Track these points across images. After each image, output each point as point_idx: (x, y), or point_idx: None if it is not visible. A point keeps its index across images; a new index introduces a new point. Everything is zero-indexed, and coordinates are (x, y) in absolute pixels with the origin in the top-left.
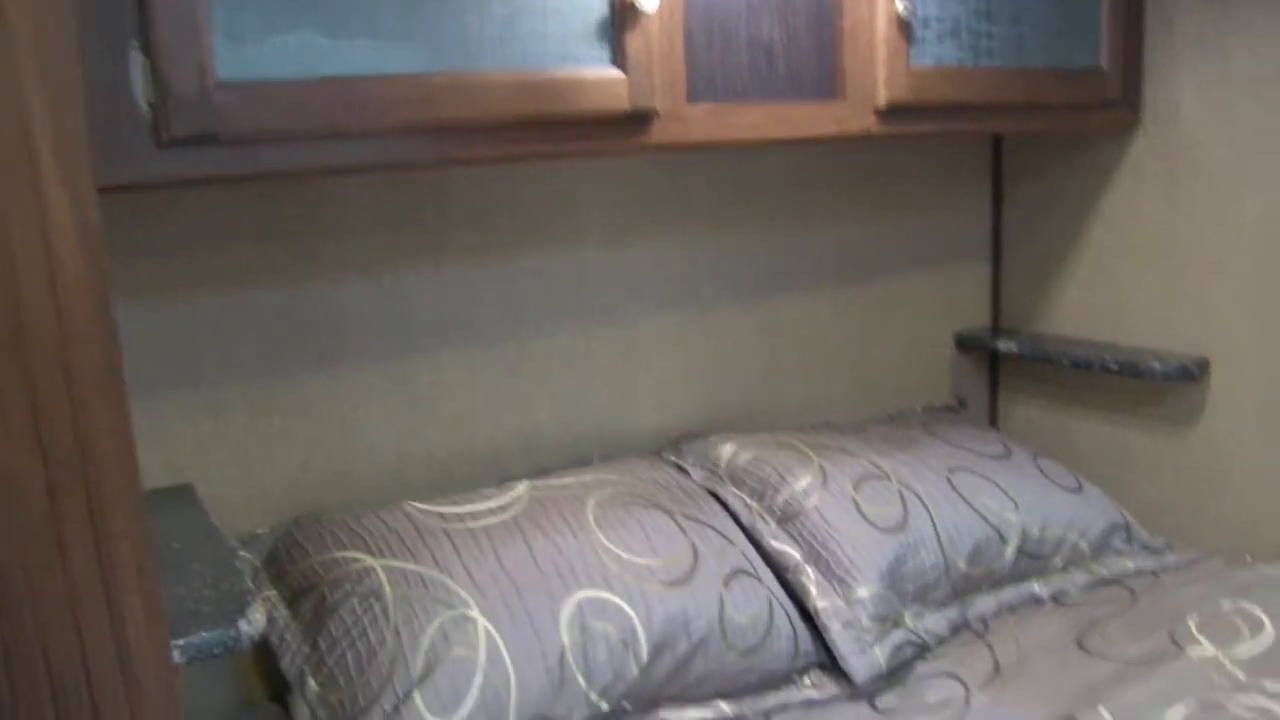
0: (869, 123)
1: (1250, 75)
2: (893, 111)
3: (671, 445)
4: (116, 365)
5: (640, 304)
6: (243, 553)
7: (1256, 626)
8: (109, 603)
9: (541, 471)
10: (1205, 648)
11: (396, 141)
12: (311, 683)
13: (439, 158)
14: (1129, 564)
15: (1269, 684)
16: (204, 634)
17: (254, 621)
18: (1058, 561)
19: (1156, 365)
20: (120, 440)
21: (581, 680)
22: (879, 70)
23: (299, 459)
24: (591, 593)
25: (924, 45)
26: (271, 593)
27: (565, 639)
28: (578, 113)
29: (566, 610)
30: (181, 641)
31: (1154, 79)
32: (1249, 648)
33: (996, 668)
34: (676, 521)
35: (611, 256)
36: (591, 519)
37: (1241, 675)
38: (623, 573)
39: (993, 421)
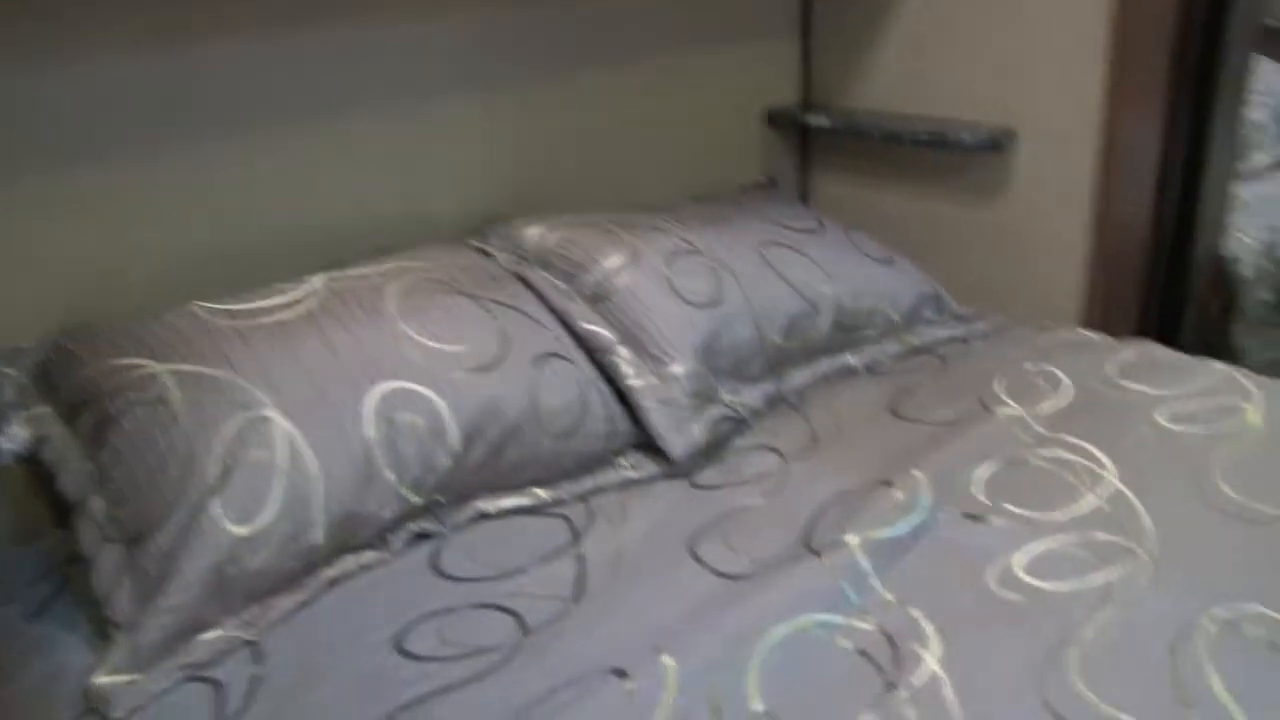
0: None
1: None
2: None
3: (475, 230)
4: None
5: (438, 82)
6: (4, 368)
7: (1056, 386)
8: None
9: (339, 264)
10: (1011, 408)
11: None
12: (98, 501)
13: None
14: (939, 333)
15: (1066, 437)
16: None
17: (14, 436)
18: (871, 332)
19: (965, 136)
20: None
21: (391, 474)
22: None
23: (65, 261)
24: (396, 384)
25: None
26: (43, 409)
27: (371, 433)
28: None
29: (370, 403)
30: None
31: None
32: (1050, 405)
33: (813, 438)
34: (483, 306)
35: (404, 30)
36: (393, 308)
37: (1043, 430)
38: (428, 362)
39: (805, 198)
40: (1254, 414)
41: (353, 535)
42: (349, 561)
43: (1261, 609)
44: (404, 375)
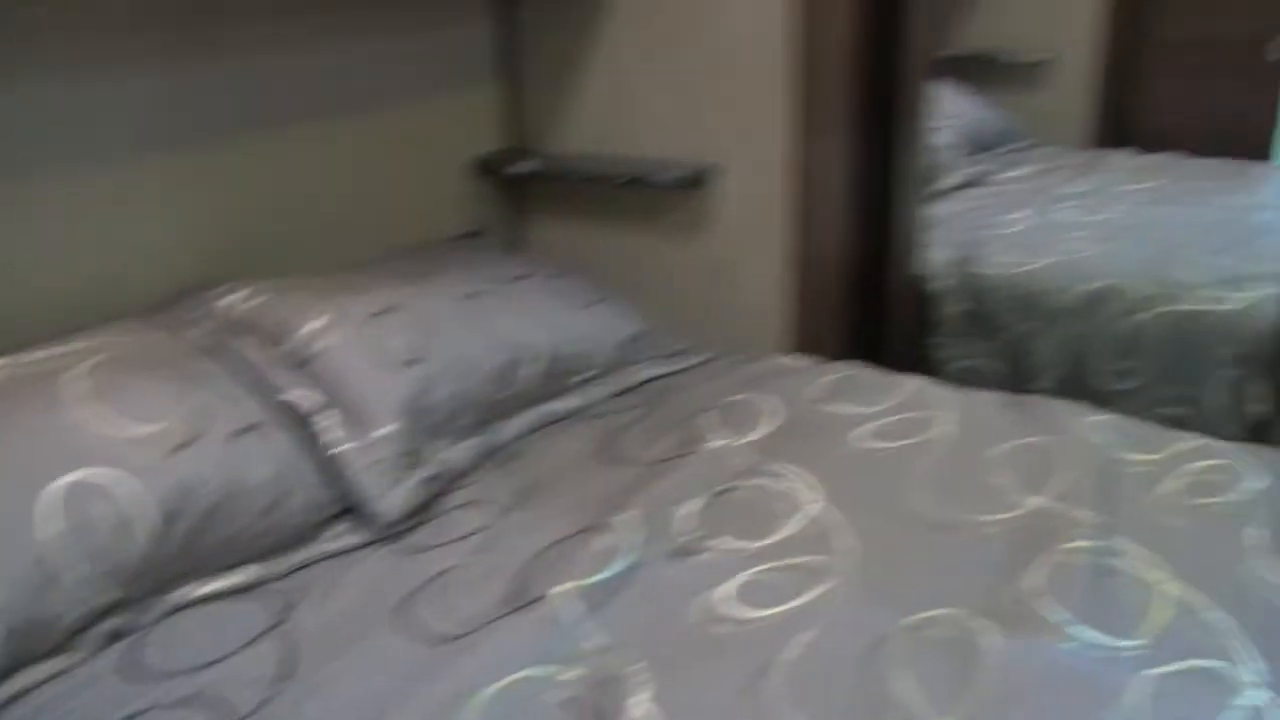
0: None
1: None
2: None
3: (172, 300)
4: None
5: (126, 145)
6: None
7: (764, 414)
8: None
9: (18, 347)
10: (720, 439)
11: None
12: None
13: None
14: (652, 370)
15: (773, 464)
16: None
17: None
18: (583, 376)
19: (666, 175)
20: None
21: (76, 572)
22: None
23: None
24: (81, 473)
25: None
26: None
27: (51, 531)
28: None
29: (51, 498)
30: None
31: None
32: (758, 433)
33: (526, 488)
34: (178, 382)
35: (85, 88)
36: (78, 392)
37: (750, 460)
38: (118, 446)
39: (520, 244)
40: (946, 424)
41: (34, 645)
42: (32, 674)
43: (949, 611)
44: (90, 462)
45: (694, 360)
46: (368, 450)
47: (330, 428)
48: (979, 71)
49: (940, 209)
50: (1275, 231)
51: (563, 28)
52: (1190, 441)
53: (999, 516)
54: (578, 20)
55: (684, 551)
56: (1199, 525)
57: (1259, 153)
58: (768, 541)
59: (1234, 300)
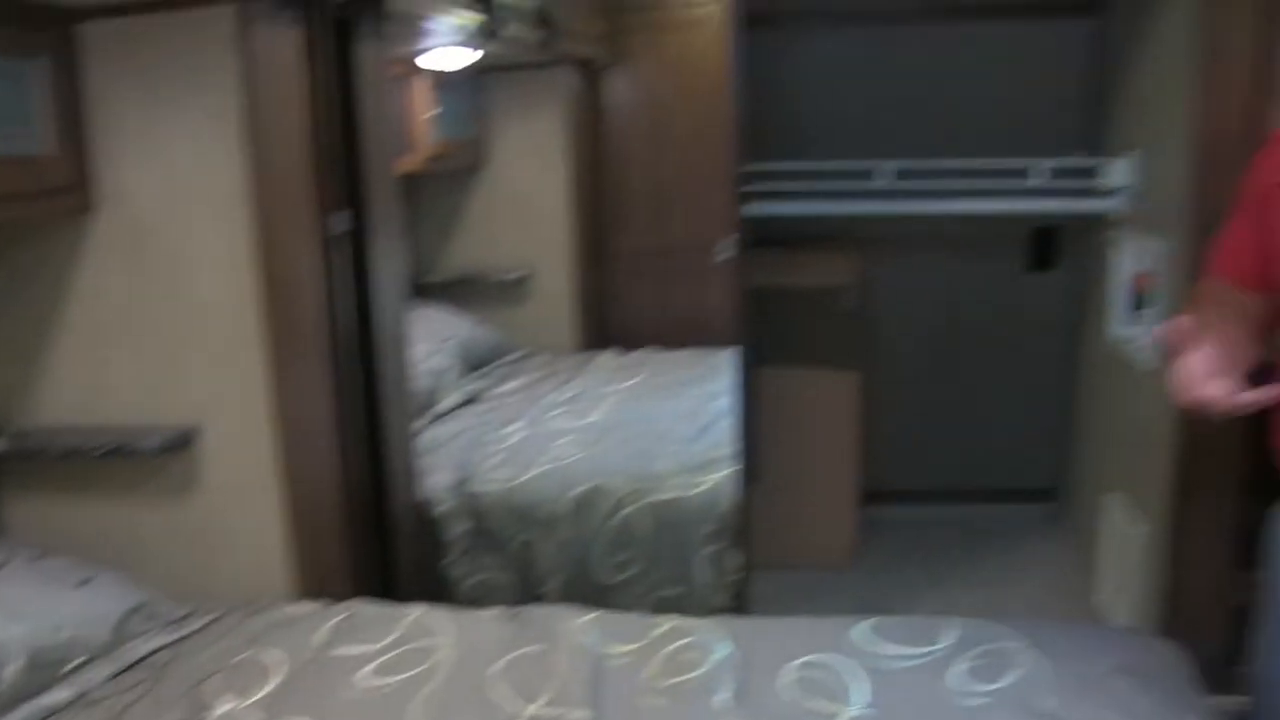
0: None
1: (181, 153)
2: None
3: None
4: None
5: None
6: None
7: (269, 670)
8: None
9: None
10: (226, 704)
11: None
12: None
13: None
14: (153, 642)
15: None
16: None
17: None
18: (75, 663)
19: (147, 441)
20: None
21: None
22: None
23: None
24: None
25: None
26: None
27: None
28: None
29: None
30: None
31: (105, 164)
32: (264, 691)
33: None
34: None
35: None
36: None
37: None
38: None
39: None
40: (446, 649)
41: None
42: None
43: None
44: None
45: (200, 623)
46: None
47: None
48: (467, 292)
49: (440, 431)
50: (729, 415)
51: (26, 294)
52: (666, 624)
53: None
54: (42, 287)
55: None
56: (675, 703)
57: (723, 340)
58: None
59: (703, 484)
